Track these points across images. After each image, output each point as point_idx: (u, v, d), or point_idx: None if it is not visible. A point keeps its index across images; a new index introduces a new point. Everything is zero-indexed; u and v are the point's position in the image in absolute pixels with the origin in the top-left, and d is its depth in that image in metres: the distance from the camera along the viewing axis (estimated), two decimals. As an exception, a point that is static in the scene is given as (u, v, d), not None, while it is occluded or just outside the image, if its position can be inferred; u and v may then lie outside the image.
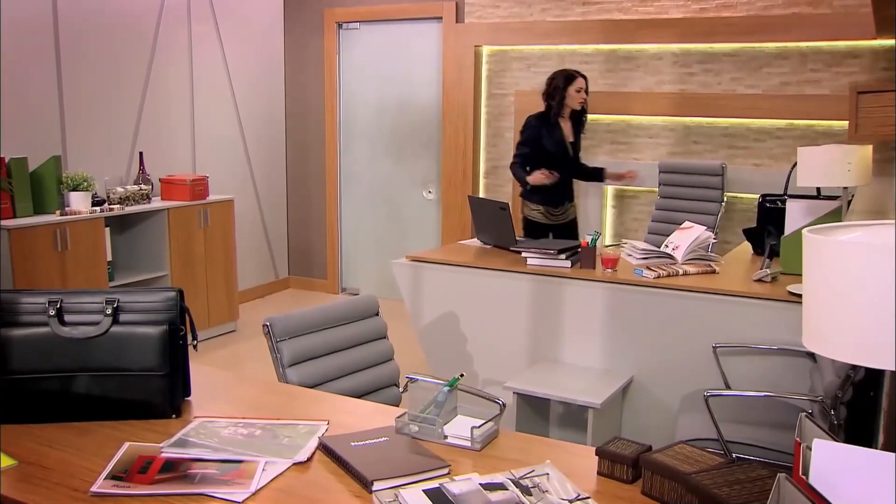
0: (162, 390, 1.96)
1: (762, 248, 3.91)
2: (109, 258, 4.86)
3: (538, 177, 4.57)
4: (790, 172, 4.21)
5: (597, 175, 4.96)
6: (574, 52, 5.72)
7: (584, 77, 4.67)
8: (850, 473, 1.06)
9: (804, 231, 1.17)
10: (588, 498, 1.56)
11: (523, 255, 3.87)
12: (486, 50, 6.08)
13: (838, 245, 1.14)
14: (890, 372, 2.22)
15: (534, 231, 4.77)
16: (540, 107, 5.94)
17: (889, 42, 4.76)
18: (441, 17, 6.19)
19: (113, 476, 1.65)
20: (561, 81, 4.65)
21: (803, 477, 1.06)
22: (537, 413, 3.63)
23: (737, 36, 5.15)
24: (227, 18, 6.23)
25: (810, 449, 1.10)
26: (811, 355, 3.12)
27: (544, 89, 4.73)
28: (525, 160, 4.66)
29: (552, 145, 4.67)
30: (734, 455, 2.73)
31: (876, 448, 2.41)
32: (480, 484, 1.60)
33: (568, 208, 4.89)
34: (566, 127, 4.73)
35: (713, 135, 5.34)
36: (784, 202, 3.96)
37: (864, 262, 1.10)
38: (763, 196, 4.24)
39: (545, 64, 5.84)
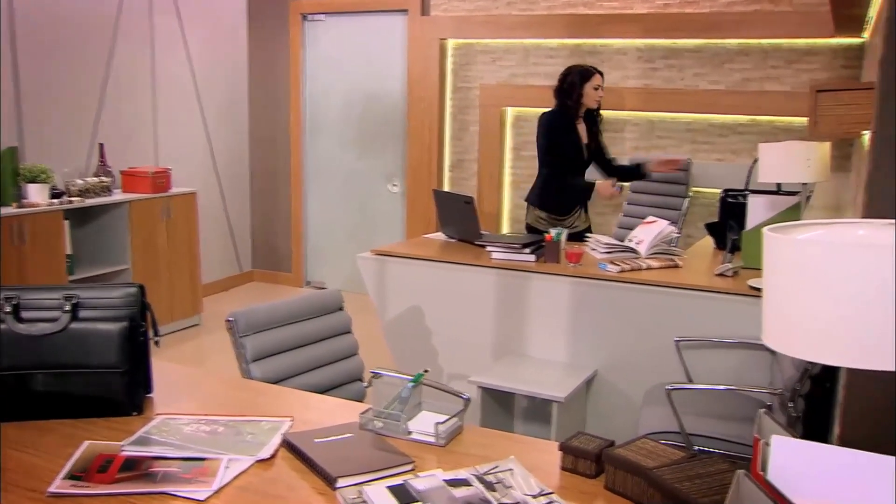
0: (122, 387, 1.93)
1: (724, 243, 3.96)
2: (69, 252, 4.78)
3: (608, 189, 4.26)
4: (751, 168, 4.26)
5: (636, 172, 4.57)
6: (539, 47, 5.74)
7: (601, 73, 4.37)
8: (808, 469, 1.08)
9: (764, 230, 1.19)
10: (552, 493, 1.57)
11: (488, 249, 3.87)
12: (451, 43, 6.07)
13: (796, 244, 1.16)
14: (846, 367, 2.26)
15: None
16: (504, 101, 5.96)
17: (847, 40, 4.84)
18: (406, 10, 6.17)
19: (71, 476, 1.63)
20: (577, 78, 4.32)
21: (761, 473, 1.08)
22: (502, 407, 3.64)
23: (699, 32, 5.20)
24: (190, 8, 6.15)
25: (769, 445, 1.11)
26: (771, 348, 3.16)
27: (556, 85, 4.41)
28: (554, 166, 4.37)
29: (569, 147, 4.37)
30: (696, 447, 2.77)
31: (833, 438, 2.46)
32: (444, 480, 1.60)
33: (576, 218, 4.56)
34: (581, 128, 4.42)
35: (677, 129, 5.39)
36: (746, 197, 4.01)
37: (822, 260, 1.12)
38: (725, 191, 4.29)
39: (510, 58, 5.85)
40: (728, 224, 4.01)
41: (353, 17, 6.48)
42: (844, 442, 2.26)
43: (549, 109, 4.43)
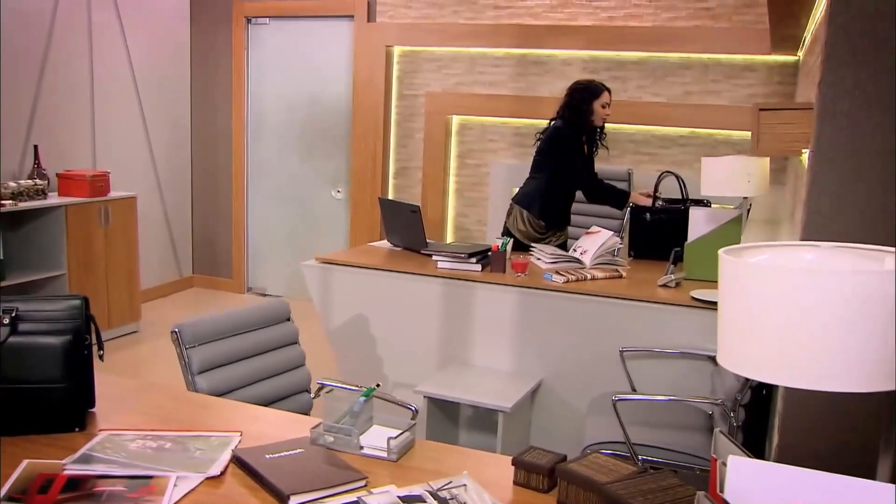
0: (65, 403, 1.87)
1: (640, 253, 4.22)
2: (0, 257, 4.63)
3: (642, 199, 4.29)
4: (658, 182, 4.33)
5: (617, 200, 4.44)
6: (485, 56, 5.77)
7: (609, 90, 4.33)
8: (764, 489, 1.11)
9: (720, 252, 1.22)
10: (505, 509, 1.57)
11: (434, 258, 3.87)
12: (397, 50, 6.07)
13: (748, 267, 1.19)
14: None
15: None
16: (449, 109, 5.97)
17: (783, 58, 4.99)
18: (353, 16, 6.14)
19: (9, 498, 1.57)
20: (585, 95, 4.28)
21: (720, 494, 1.11)
22: (447, 416, 3.65)
23: (643, 45, 5.30)
24: (129, 7, 6.01)
25: (725, 465, 1.14)
26: (712, 359, 3.24)
27: (563, 101, 4.36)
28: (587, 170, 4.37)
29: (579, 164, 4.34)
30: (640, 457, 2.81)
31: (772, 448, 2.53)
32: (399, 497, 1.60)
33: (557, 232, 4.54)
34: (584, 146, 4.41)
35: (620, 140, 5.47)
36: (656, 210, 4.18)
37: (771, 283, 1.15)
38: (632, 206, 4.34)
39: (456, 66, 5.87)
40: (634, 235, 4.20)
41: (298, 22, 6.42)
42: (783, 451, 2.33)
43: (560, 122, 4.35)
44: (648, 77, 5.36)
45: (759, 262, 1.21)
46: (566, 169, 4.34)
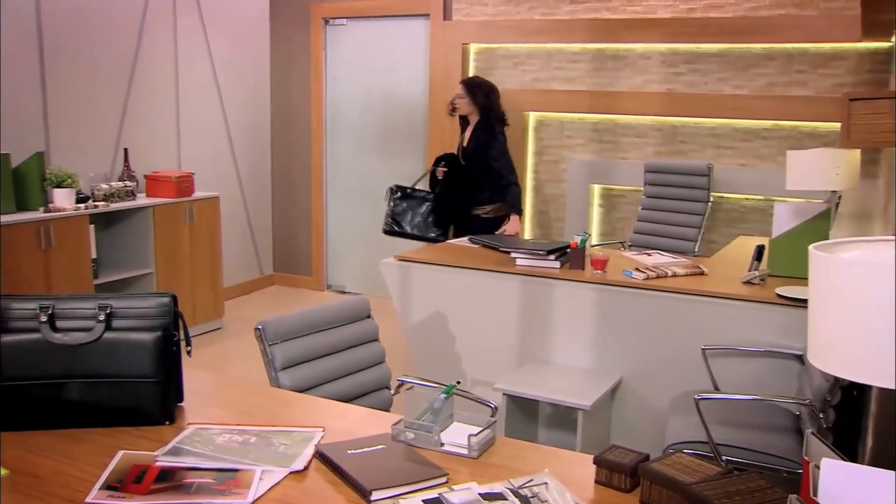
0: (155, 397, 1.94)
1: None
2: (94, 256, 4.82)
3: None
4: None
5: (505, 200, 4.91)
6: (561, 51, 5.72)
7: (463, 83, 5.06)
8: (858, 493, 1.07)
9: (810, 248, 1.18)
10: (587, 508, 1.56)
11: (512, 255, 3.86)
12: (473, 48, 6.07)
13: (840, 263, 1.15)
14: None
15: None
16: (526, 105, 5.96)
17: (874, 45, 4.79)
18: (428, 14, 6.17)
19: (108, 486, 1.63)
20: None
21: (814, 498, 1.07)
22: (525, 414, 3.63)
23: (724, 36, 5.17)
24: (212, 12, 6.18)
25: (818, 468, 1.10)
26: (799, 357, 3.14)
27: None
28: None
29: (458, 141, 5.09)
30: (724, 458, 2.75)
31: (866, 451, 2.44)
32: (479, 494, 1.60)
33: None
34: (467, 132, 5.05)
35: (700, 135, 5.36)
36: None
37: (865, 280, 1.11)
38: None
39: (533, 62, 5.84)
40: None
41: (374, 22, 6.49)
42: (877, 454, 2.24)
43: None
44: (730, 69, 5.22)
45: (852, 258, 1.17)
46: None
